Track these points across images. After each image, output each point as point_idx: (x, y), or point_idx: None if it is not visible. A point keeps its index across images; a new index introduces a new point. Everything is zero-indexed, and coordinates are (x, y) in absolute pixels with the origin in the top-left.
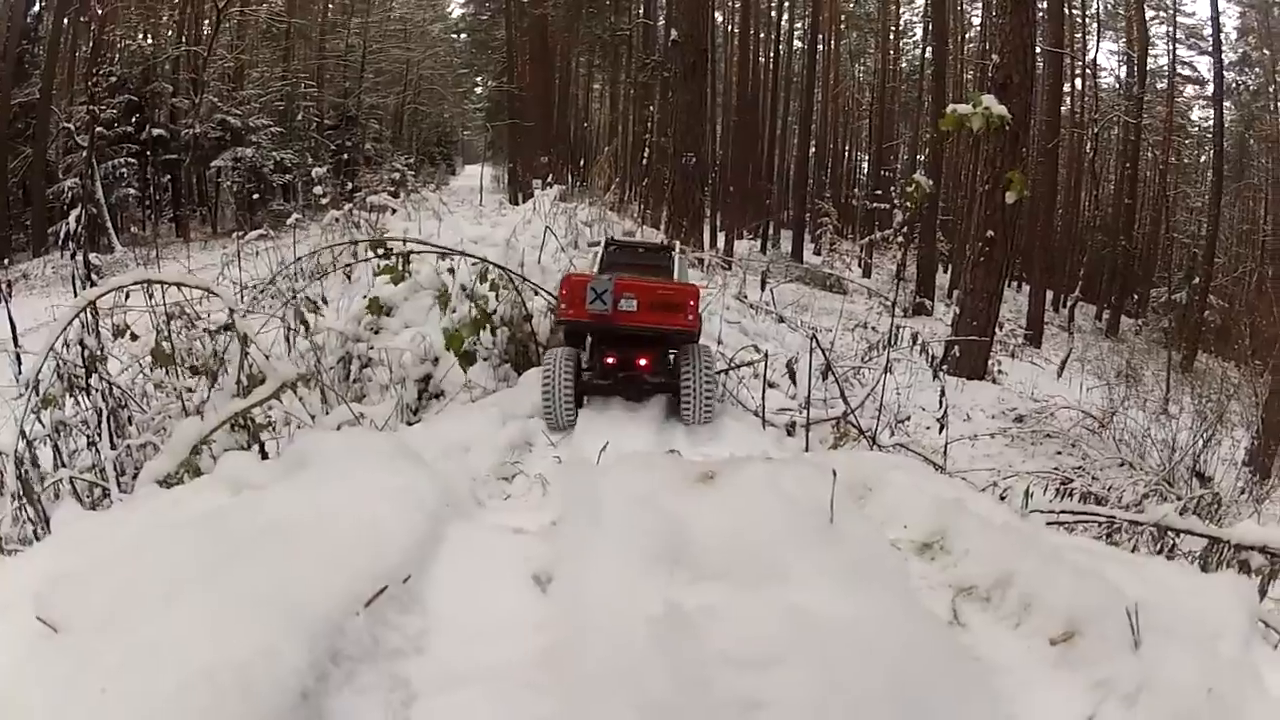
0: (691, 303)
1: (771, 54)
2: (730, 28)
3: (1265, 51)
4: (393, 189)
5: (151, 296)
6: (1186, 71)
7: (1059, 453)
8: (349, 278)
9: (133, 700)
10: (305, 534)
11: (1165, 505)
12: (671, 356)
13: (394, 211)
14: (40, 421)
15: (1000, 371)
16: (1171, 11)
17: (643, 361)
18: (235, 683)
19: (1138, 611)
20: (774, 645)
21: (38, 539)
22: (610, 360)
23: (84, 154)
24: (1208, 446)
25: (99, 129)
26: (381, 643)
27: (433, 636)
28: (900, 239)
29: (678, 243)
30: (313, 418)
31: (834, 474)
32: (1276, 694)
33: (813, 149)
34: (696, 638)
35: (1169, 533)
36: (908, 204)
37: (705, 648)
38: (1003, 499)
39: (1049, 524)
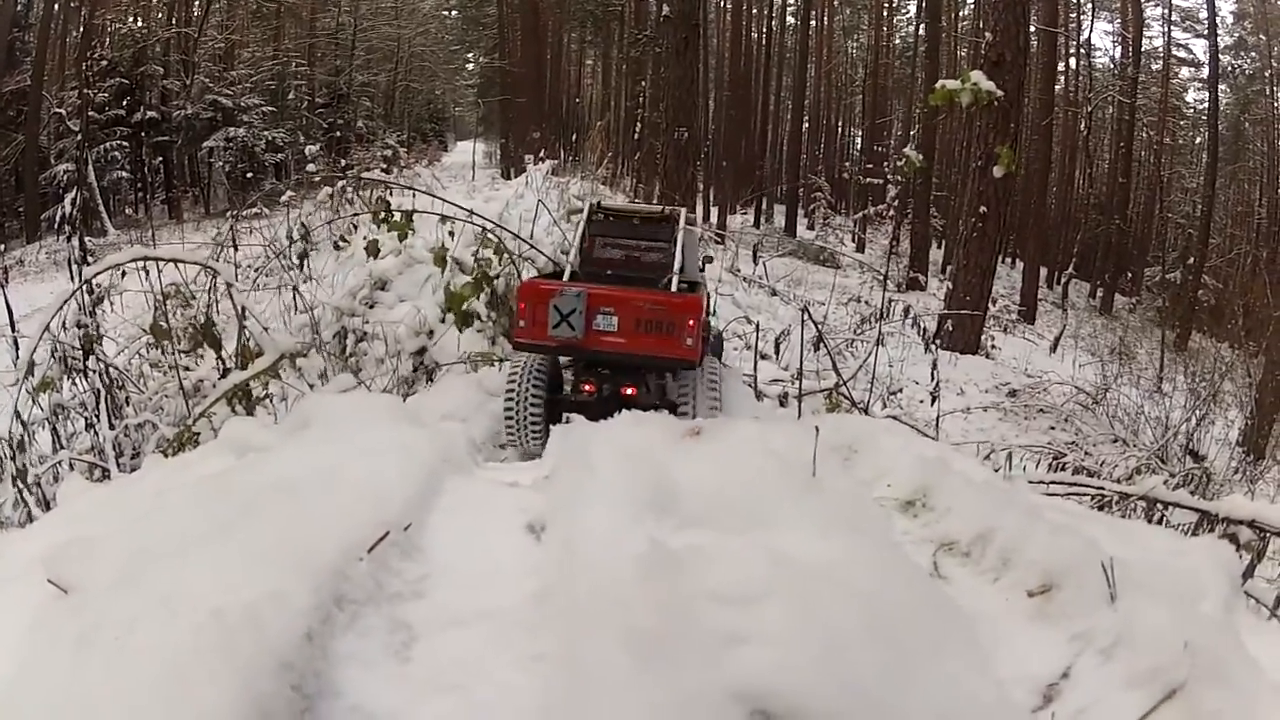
0: (690, 322)
1: (764, 29)
2: (723, 3)
3: (1261, 36)
4: (385, 166)
5: (148, 274)
6: (1182, 54)
7: (1052, 428)
8: (340, 244)
9: (146, 646)
10: (310, 489)
11: (1154, 478)
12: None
13: (388, 188)
14: (38, 405)
15: (994, 346)
16: None
17: (629, 391)
18: (244, 622)
19: (1114, 566)
20: (756, 584)
21: (32, 520)
22: (587, 388)
23: (76, 138)
24: (1201, 425)
25: (91, 113)
26: (384, 587)
27: (432, 582)
28: (893, 214)
29: (684, 211)
30: (311, 387)
31: (816, 430)
32: (1256, 654)
33: (806, 124)
34: (682, 575)
35: (1159, 506)
36: (899, 178)
37: (691, 584)
38: (996, 471)
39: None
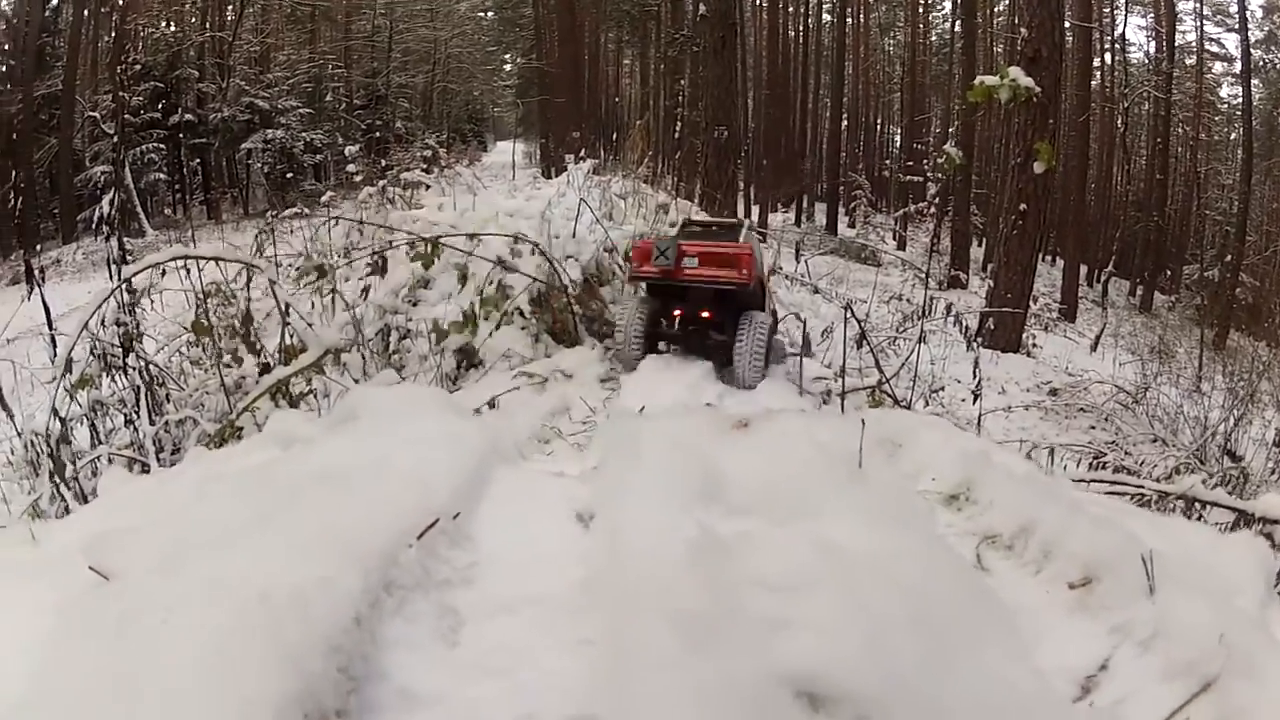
0: (745, 257)
1: (801, 27)
2: (759, 1)
3: None
4: (425, 166)
5: (188, 273)
6: (1214, 48)
7: (1092, 427)
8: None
9: (190, 627)
10: (356, 478)
11: (1192, 477)
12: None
13: (428, 188)
14: (76, 401)
15: (1035, 345)
16: None
17: (705, 314)
18: (291, 604)
19: (1153, 559)
20: (803, 572)
21: (70, 514)
22: (677, 312)
23: (112, 141)
24: (1239, 425)
25: (126, 116)
26: (432, 574)
27: (480, 569)
28: (934, 212)
29: (749, 220)
30: (356, 382)
31: (863, 422)
32: None
33: (845, 122)
34: (730, 561)
35: (1196, 505)
36: (940, 175)
37: (738, 571)
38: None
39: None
